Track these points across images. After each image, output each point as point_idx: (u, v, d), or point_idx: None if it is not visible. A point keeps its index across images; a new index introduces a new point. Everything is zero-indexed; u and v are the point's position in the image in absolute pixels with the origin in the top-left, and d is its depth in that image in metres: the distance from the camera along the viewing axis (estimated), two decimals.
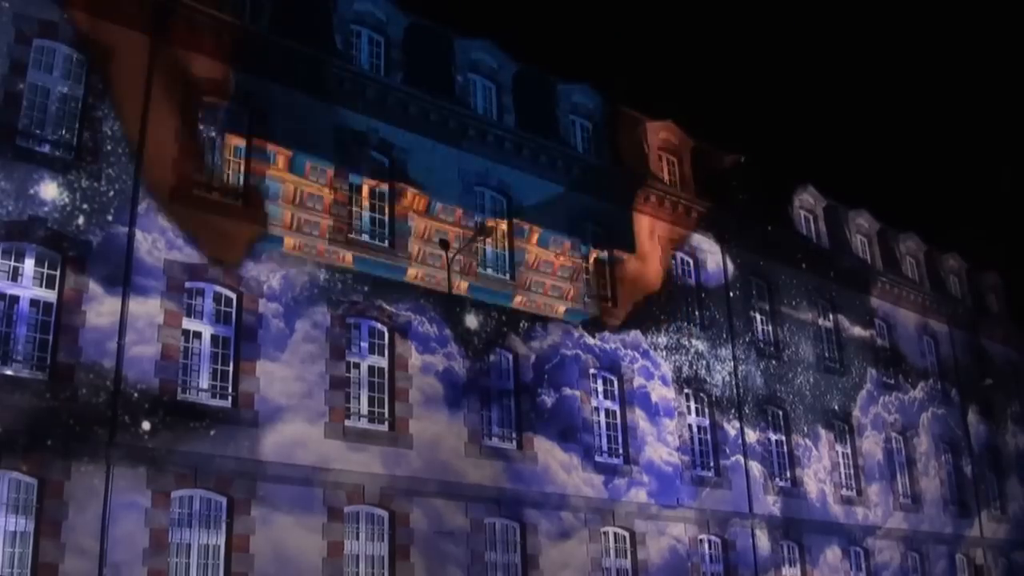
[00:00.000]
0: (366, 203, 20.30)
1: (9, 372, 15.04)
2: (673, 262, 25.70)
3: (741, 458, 25.06)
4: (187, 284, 17.14)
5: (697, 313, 25.80)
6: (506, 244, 22.24)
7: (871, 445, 29.31)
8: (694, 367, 24.94)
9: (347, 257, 19.21)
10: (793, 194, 30.40)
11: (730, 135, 56.91)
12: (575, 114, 25.10)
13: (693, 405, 24.86)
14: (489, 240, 21.79)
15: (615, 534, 21.93)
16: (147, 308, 16.42)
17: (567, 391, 21.95)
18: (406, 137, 20.87)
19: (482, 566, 19.35)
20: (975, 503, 32.68)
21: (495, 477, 20.12)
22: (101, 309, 15.93)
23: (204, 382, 17.02)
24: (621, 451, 22.70)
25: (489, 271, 21.66)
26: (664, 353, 24.28)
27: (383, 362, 19.39)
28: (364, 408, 18.87)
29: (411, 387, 19.38)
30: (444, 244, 20.56)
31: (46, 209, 15.82)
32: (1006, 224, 62.60)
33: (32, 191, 15.74)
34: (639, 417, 23.18)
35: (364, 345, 19.30)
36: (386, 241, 20.12)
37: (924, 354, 33.22)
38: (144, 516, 15.46)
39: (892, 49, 66.43)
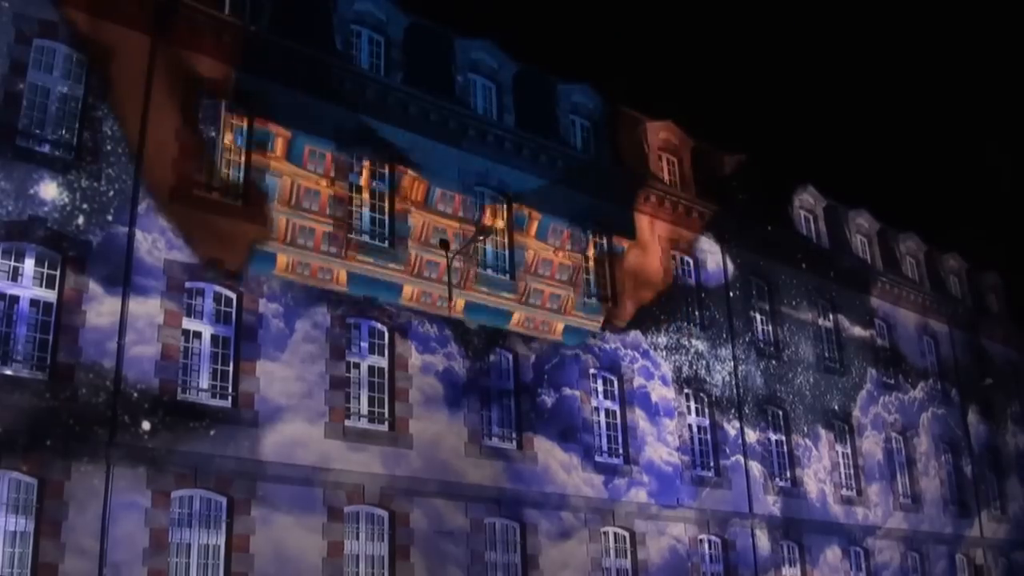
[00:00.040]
0: (365, 195, 20.19)
1: (9, 372, 15.04)
2: (673, 262, 25.71)
3: (741, 458, 25.07)
4: (187, 284, 17.13)
5: (697, 313, 25.80)
6: (506, 242, 22.20)
7: (871, 445, 29.31)
8: (694, 367, 24.94)
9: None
10: (793, 194, 30.40)
11: (730, 135, 56.93)
12: (575, 114, 25.10)
13: (693, 405, 24.87)
14: (488, 240, 21.76)
15: (615, 534, 21.93)
16: (147, 308, 16.42)
17: (567, 391, 21.95)
18: (406, 137, 20.86)
19: (482, 566, 19.35)
20: (975, 503, 32.68)
21: (495, 477, 20.12)
22: (101, 309, 15.93)
23: (204, 382, 17.02)
24: (621, 451, 22.70)
25: (488, 277, 21.46)
26: (664, 353, 24.29)
27: (383, 362, 19.39)
28: (364, 408, 18.87)
29: (411, 387, 19.39)
30: (444, 244, 20.54)
31: (46, 209, 15.83)
32: (1006, 224, 62.66)
33: (32, 191, 15.74)
34: (639, 417, 23.18)
35: (364, 345, 19.30)
36: (386, 241, 20.09)
37: (924, 354, 33.23)
38: (144, 516, 15.46)
39: (892, 49, 66.46)
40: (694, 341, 25.20)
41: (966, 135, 62.82)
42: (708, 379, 25.18)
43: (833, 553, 26.62)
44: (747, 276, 27.53)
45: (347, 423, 18.36)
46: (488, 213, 22.01)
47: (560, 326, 22.31)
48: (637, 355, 23.64)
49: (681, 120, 27.26)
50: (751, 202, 28.30)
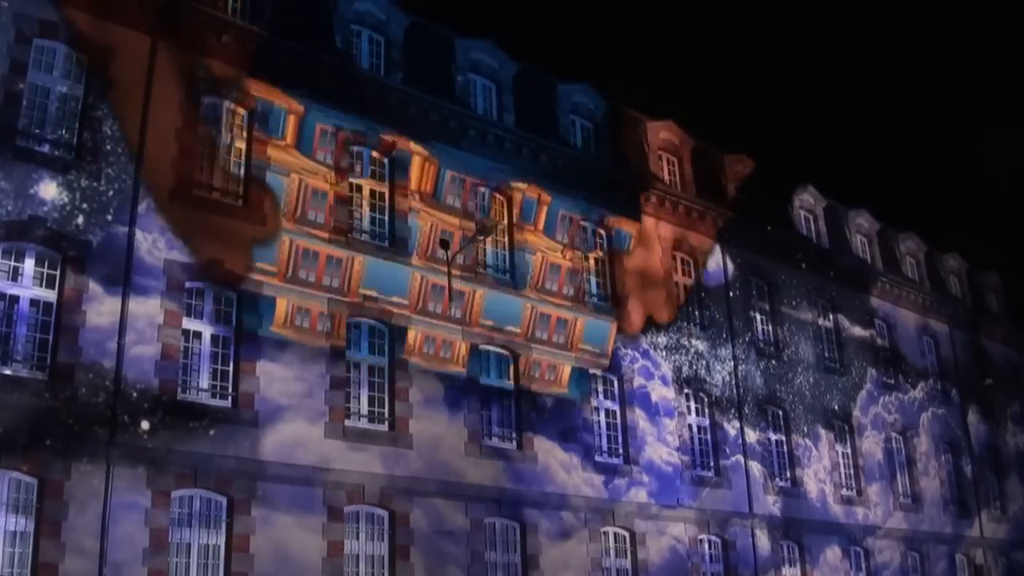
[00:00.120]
0: (366, 192, 20.17)
1: (9, 372, 15.03)
2: (673, 262, 25.71)
3: (741, 458, 25.06)
4: (187, 284, 17.13)
5: (697, 313, 25.80)
6: (506, 242, 22.15)
7: (871, 445, 29.31)
8: (694, 367, 24.94)
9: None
10: (793, 194, 30.40)
11: (730, 135, 56.95)
12: (575, 114, 25.08)
13: (693, 405, 24.86)
14: (489, 241, 21.74)
15: (615, 534, 21.93)
16: (147, 308, 16.42)
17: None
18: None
19: (482, 566, 19.35)
20: (975, 503, 32.68)
21: (495, 477, 20.12)
22: (101, 309, 15.92)
23: (204, 382, 17.02)
24: (621, 451, 22.70)
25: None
26: (664, 353, 24.28)
27: (383, 362, 19.39)
28: (364, 408, 18.87)
29: (411, 387, 19.39)
30: (444, 244, 20.53)
31: (46, 209, 15.82)
32: (1006, 224, 62.67)
33: (32, 191, 15.74)
34: (639, 417, 23.17)
35: (364, 345, 19.29)
36: (386, 241, 20.06)
37: (924, 354, 33.22)
38: (144, 516, 15.45)
39: (892, 49, 66.46)
40: (694, 341, 25.20)
41: (966, 135, 62.85)
42: (708, 379, 25.18)
43: (833, 553, 26.62)
44: (747, 276, 27.53)
45: (347, 423, 18.35)
46: (493, 208, 21.97)
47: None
48: (637, 355, 23.64)
49: (681, 120, 27.29)
50: (751, 202, 28.30)
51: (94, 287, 15.94)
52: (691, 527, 23.26)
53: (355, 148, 20.03)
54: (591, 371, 22.60)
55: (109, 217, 16.42)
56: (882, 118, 65.51)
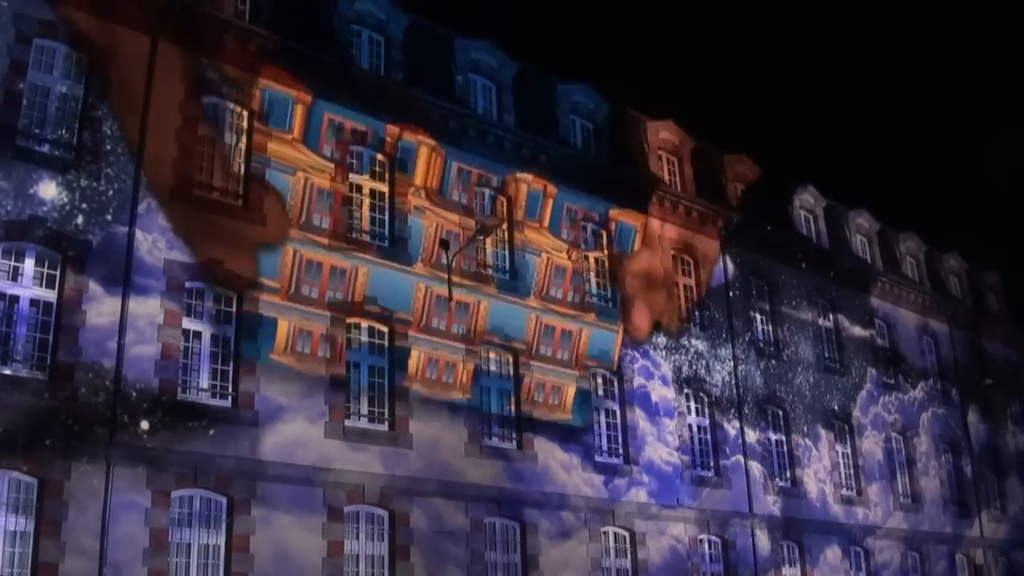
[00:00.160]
0: (366, 191, 20.15)
1: (9, 372, 15.03)
2: (675, 263, 25.70)
3: (741, 458, 25.06)
4: (187, 284, 17.12)
5: (697, 313, 25.80)
6: (507, 241, 22.13)
7: (871, 445, 29.30)
8: (694, 367, 24.93)
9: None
10: (793, 194, 30.39)
11: (730, 135, 56.94)
12: (575, 114, 25.07)
13: (693, 405, 24.86)
14: (493, 242, 21.72)
15: (615, 534, 21.93)
16: (147, 308, 16.42)
17: None
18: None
19: (482, 566, 19.35)
20: (975, 503, 32.67)
21: (495, 477, 20.12)
22: (101, 309, 15.92)
23: (204, 382, 17.02)
24: (621, 451, 22.69)
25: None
26: (664, 353, 24.28)
27: (383, 361, 19.38)
28: (364, 408, 18.87)
29: (411, 417, 19.28)
30: (444, 244, 20.51)
31: (46, 209, 15.82)
32: (1006, 224, 62.66)
33: (32, 191, 15.73)
34: (639, 417, 23.17)
35: (364, 345, 19.28)
36: (386, 241, 20.05)
37: (924, 354, 33.21)
38: (144, 516, 15.45)
39: (892, 49, 66.45)
40: (694, 341, 25.19)
41: (966, 135, 62.84)
42: (708, 379, 25.18)
43: (833, 553, 26.62)
44: (747, 276, 27.52)
45: (347, 423, 18.35)
46: (496, 205, 21.96)
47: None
48: (637, 355, 23.63)
49: (681, 120, 27.29)
50: (751, 202, 28.29)
51: (94, 287, 15.94)
52: (691, 527, 23.26)
53: (359, 145, 20.03)
54: (592, 371, 22.59)
55: (109, 217, 16.42)
56: (882, 118, 65.57)
